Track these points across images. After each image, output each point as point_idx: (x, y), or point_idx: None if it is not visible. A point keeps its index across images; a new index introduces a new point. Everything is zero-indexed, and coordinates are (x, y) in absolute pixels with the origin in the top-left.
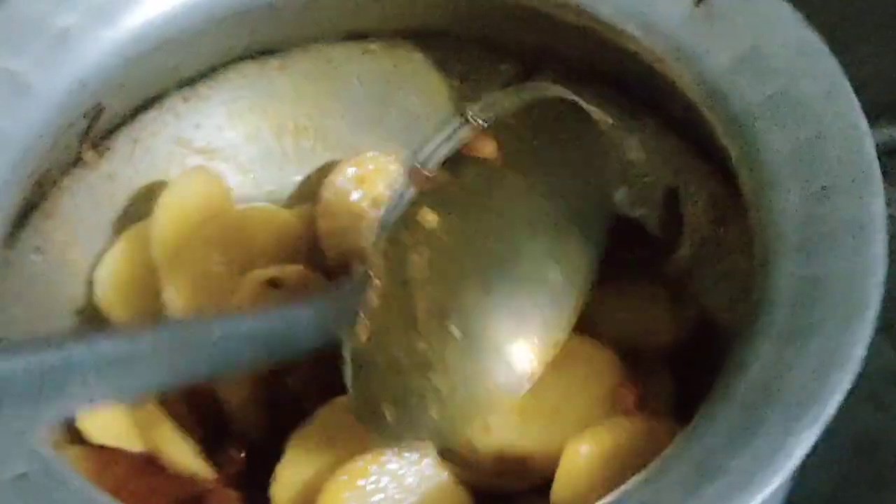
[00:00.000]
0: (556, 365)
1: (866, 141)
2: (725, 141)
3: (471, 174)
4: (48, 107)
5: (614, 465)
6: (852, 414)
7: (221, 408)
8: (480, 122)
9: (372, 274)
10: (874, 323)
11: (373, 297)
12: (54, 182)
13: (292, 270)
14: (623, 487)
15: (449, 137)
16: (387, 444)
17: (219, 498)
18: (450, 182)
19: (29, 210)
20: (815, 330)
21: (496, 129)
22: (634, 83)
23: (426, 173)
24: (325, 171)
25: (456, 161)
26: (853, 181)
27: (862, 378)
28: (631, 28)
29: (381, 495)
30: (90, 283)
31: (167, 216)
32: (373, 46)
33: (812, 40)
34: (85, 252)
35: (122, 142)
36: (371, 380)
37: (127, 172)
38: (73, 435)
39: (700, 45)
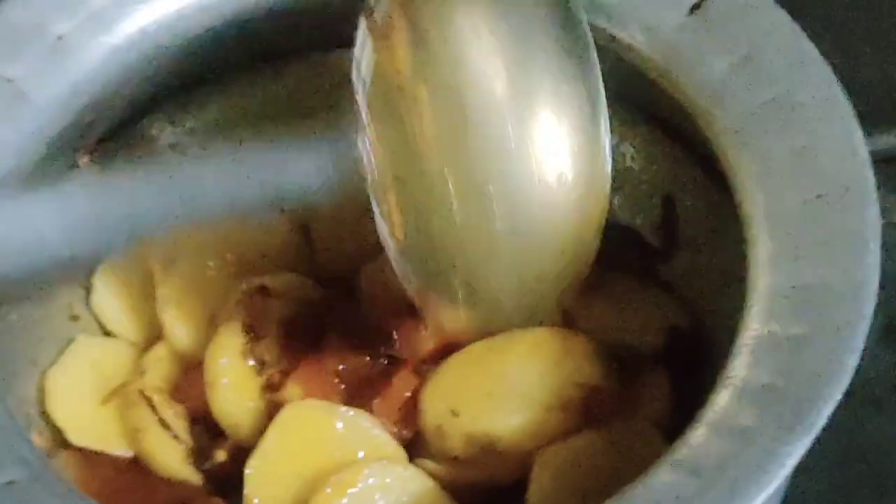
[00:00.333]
0: (531, 351)
1: (860, 149)
2: (720, 148)
3: None
4: (44, 114)
5: (584, 478)
6: (853, 418)
7: (209, 409)
8: None
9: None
10: (868, 332)
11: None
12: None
13: (285, 278)
14: (617, 495)
15: None
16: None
17: None
18: None
19: None
20: (808, 338)
21: None
22: (630, 90)
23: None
24: None
25: None
26: (847, 190)
27: (863, 382)
28: (626, 35)
29: None
30: (86, 289)
31: None
32: None
33: (807, 48)
34: None
35: (117, 148)
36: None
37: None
38: (61, 440)
39: (695, 53)
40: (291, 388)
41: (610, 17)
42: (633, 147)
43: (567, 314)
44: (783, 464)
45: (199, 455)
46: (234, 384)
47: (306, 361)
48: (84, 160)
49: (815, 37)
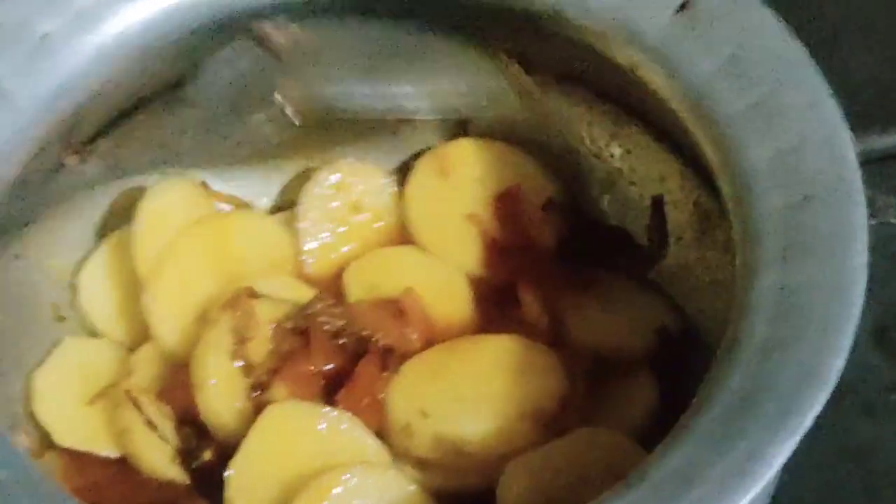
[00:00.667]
0: (495, 361)
1: (848, 151)
2: (707, 149)
3: None
4: (28, 113)
5: (554, 488)
6: (844, 421)
7: (197, 410)
8: None
9: None
10: (857, 333)
11: None
12: (35, 188)
13: (275, 281)
14: (604, 495)
15: None
16: None
17: None
18: None
19: (9, 217)
20: (795, 340)
21: None
22: (618, 91)
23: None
24: (304, 178)
25: None
26: (834, 191)
27: (854, 385)
28: (613, 36)
29: None
30: (72, 289)
31: (148, 222)
32: None
33: (794, 49)
34: (66, 258)
35: (102, 148)
36: None
37: (108, 178)
38: (48, 441)
39: (682, 53)
40: (278, 389)
41: (598, 17)
42: (622, 148)
43: (556, 315)
44: (770, 464)
45: (185, 455)
46: (221, 385)
47: (293, 362)
48: (69, 159)
49: (802, 36)
